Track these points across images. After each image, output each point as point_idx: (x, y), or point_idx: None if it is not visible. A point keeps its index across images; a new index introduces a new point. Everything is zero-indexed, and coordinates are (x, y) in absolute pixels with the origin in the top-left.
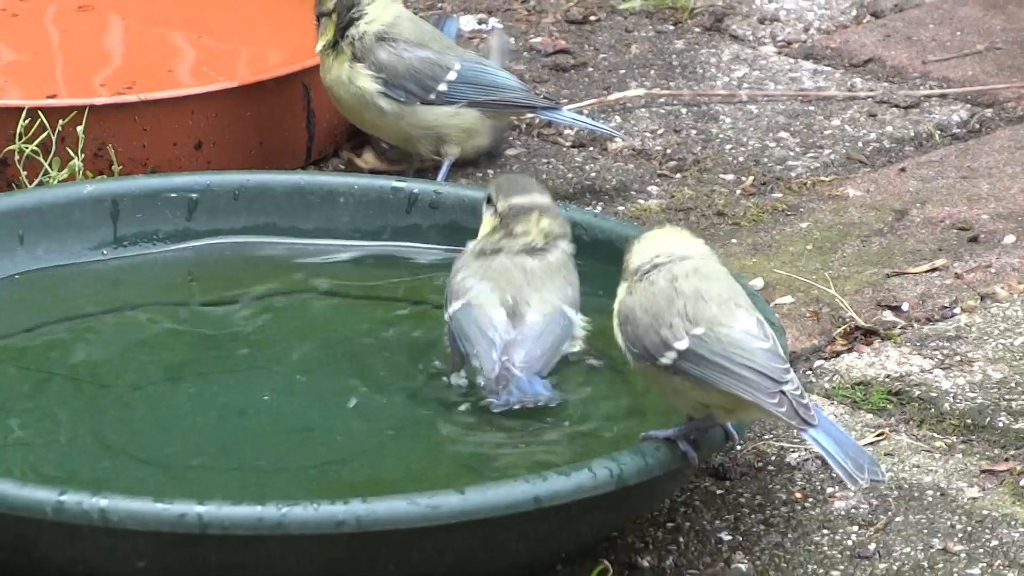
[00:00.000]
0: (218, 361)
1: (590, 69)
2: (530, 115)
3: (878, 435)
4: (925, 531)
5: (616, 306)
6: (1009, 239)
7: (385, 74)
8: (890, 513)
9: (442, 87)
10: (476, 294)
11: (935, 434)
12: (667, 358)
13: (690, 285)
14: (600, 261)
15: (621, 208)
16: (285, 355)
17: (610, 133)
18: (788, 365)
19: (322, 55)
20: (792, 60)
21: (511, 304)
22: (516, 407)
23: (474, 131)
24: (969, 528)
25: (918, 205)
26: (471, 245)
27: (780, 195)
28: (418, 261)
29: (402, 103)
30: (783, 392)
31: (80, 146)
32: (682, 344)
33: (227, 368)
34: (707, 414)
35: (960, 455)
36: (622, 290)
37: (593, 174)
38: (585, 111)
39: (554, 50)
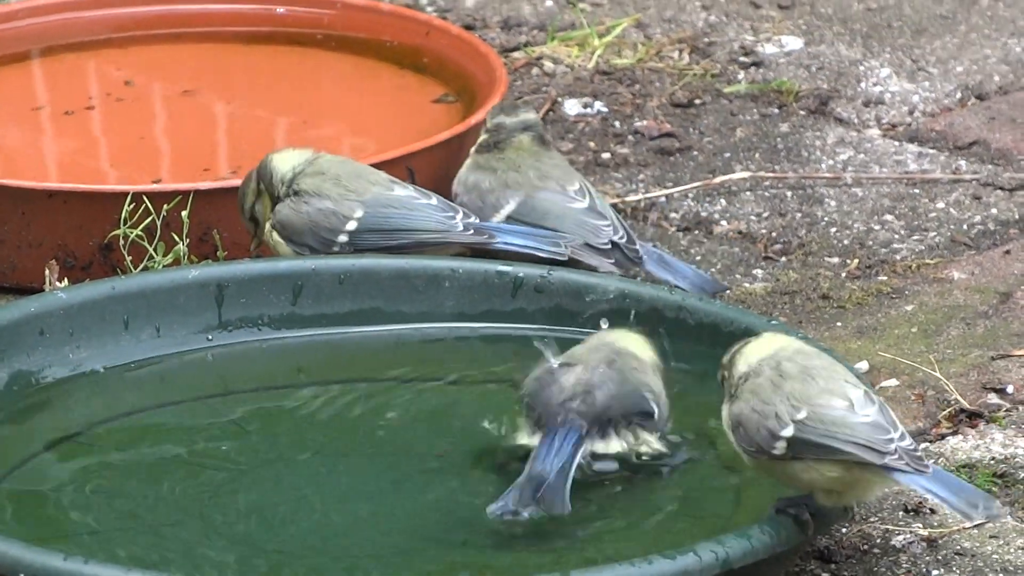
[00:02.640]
0: (327, 446)
1: (695, 152)
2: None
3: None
4: None
5: (725, 417)
6: None
7: (286, 231)
8: None
9: (342, 238)
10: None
11: None
12: (778, 448)
13: (795, 366)
14: (703, 345)
15: (726, 292)
16: (394, 441)
17: (548, 252)
18: (898, 429)
19: (255, 247)
20: (897, 143)
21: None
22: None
23: None
24: None
25: (1023, 288)
26: None
27: (885, 278)
28: (527, 343)
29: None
30: (896, 449)
31: (185, 231)
32: (788, 431)
33: (335, 453)
34: (812, 495)
35: None
36: (725, 407)
37: (698, 258)
38: (691, 195)
39: (659, 133)
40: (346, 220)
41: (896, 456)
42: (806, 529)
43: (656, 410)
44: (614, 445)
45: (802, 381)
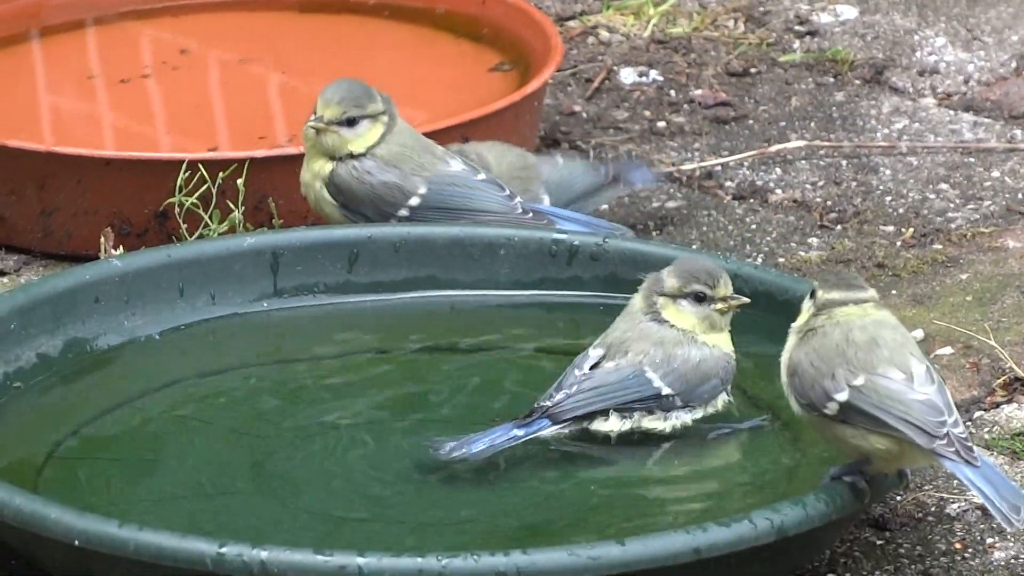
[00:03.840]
0: (380, 414)
1: (750, 121)
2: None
3: None
4: None
5: (785, 357)
6: None
7: (343, 197)
8: None
9: (403, 212)
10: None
11: None
12: (830, 409)
13: (865, 334)
14: (760, 312)
15: (781, 260)
16: (447, 408)
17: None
18: (952, 414)
19: (310, 159)
20: (952, 112)
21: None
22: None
23: None
24: None
25: None
26: None
27: (940, 246)
28: (582, 310)
29: None
30: (947, 435)
31: (240, 199)
32: (843, 396)
33: (389, 421)
34: (869, 462)
35: None
36: (792, 341)
37: (754, 226)
38: (746, 164)
39: (715, 102)
40: (409, 196)
41: (946, 442)
42: (862, 497)
43: (660, 390)
44: (615, 425)
45: (867, 349)
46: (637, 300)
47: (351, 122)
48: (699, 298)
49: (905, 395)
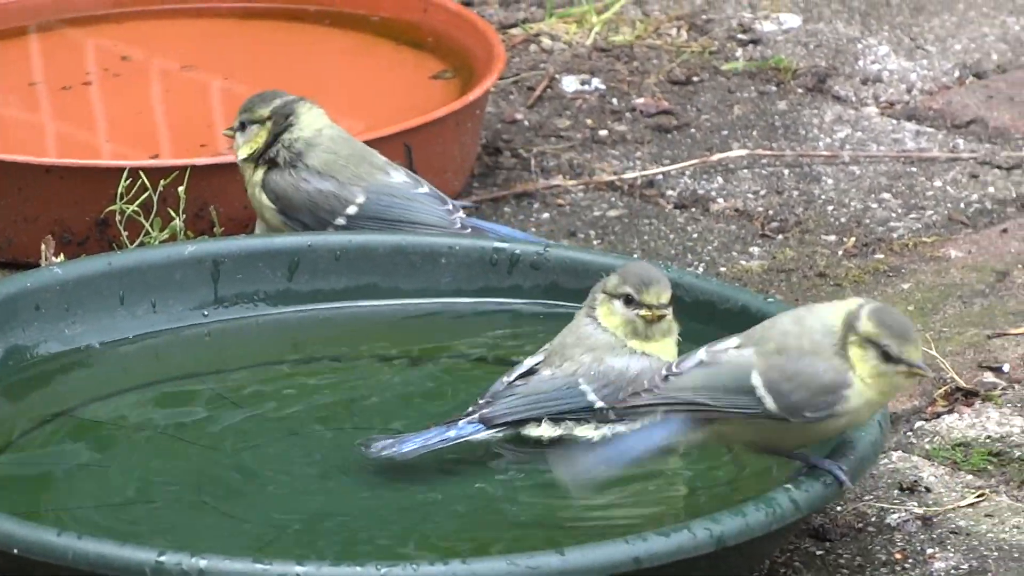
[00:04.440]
0: (320, 422)
1: (692, 130)
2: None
3: (978, 496)
4: None
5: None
6: None
7: (280, 204)
8: (990, 574)
9: (340, 221)
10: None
11: None
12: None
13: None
14: (700, 322)
15: (723, 269)
16: (388, 418)
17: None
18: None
19: (243, 165)
20: (895, 121)
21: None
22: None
23: None
24: None
25: (1020, 266)
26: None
27: (882, 256)
28: (521, 316)
29: None
30: None
31: (181, 207)
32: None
33: (328, 429)
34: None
35: None
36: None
37: (695, 235)
38: (688, 172)
39: (657, 111)
40: (346, 205)
41: None
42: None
43: (593, 403)
44: (547, 431)
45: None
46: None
47: (242, 127)
48: (628, 301)
49: None
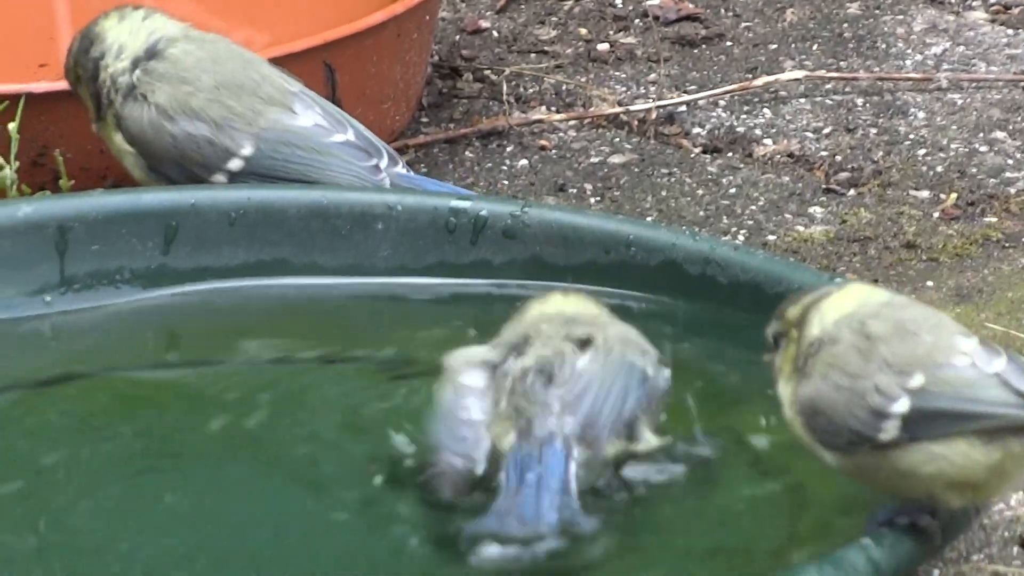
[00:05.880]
0: (200, 450)
1: (728, 43)
2: None
3: None
4: None
5: (789, 401)
6: None
7: (139, 149)
8: None
9: (219, 178)
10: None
11: None
12: (887, 431)
13: (885, 323)
14: (741, 310)
15: (772, 238)
16: (288, 442)
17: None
18: None
19: (98, 130)
20: (1011, 31)
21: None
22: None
23: None
24: None
25: None
26: None
27: (994, 219)
28: (492, 304)
29: None
30: None
31: (13, 150)
32: (902, 405)
33: (210, 460)
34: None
35: None
36: (786, 384)
37: (733, 190)
38: (723, 103)
39: (678, 16)
40: (227, 157)
41: None
42: (933, 538)
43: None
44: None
45: (901, 339)
46: None
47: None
48: None
49: (983, 378)
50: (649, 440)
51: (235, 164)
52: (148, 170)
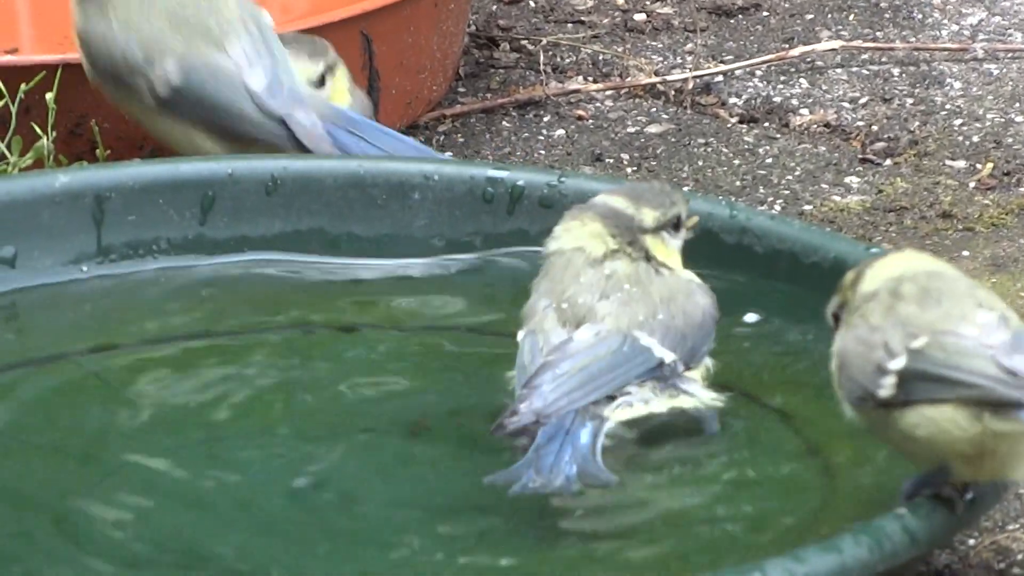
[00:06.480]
0: (235, 424)
1: (765, 13)
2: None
3: None
4: None
5: (832, 357)
6: None
7: (85, 49)
8: None
9: (162, 91)
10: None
11: None
12: (885, 387)
13: (916, 287)
14: (778, 280)
15: (808, 208)
16: (326, 414)
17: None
18: None
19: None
20: None
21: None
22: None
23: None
24: None
25: None
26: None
27: None
28: (528, 274)
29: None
30: None
31: (50, 121)
32: (899, 362)
33: (246, 434)
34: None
35: None
36: (839, 335)
37: (769, 160)
38: (759, 73)
39: None
40: (150, 65)
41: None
42: (955, 509)
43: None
44: (654, 405)
45: (921, 303)
46: (589, 245)
47: None
48: (677, 225)
49: (980, 349)
50: (700, 396)
51: (163, 76)
52: (96, 73)
